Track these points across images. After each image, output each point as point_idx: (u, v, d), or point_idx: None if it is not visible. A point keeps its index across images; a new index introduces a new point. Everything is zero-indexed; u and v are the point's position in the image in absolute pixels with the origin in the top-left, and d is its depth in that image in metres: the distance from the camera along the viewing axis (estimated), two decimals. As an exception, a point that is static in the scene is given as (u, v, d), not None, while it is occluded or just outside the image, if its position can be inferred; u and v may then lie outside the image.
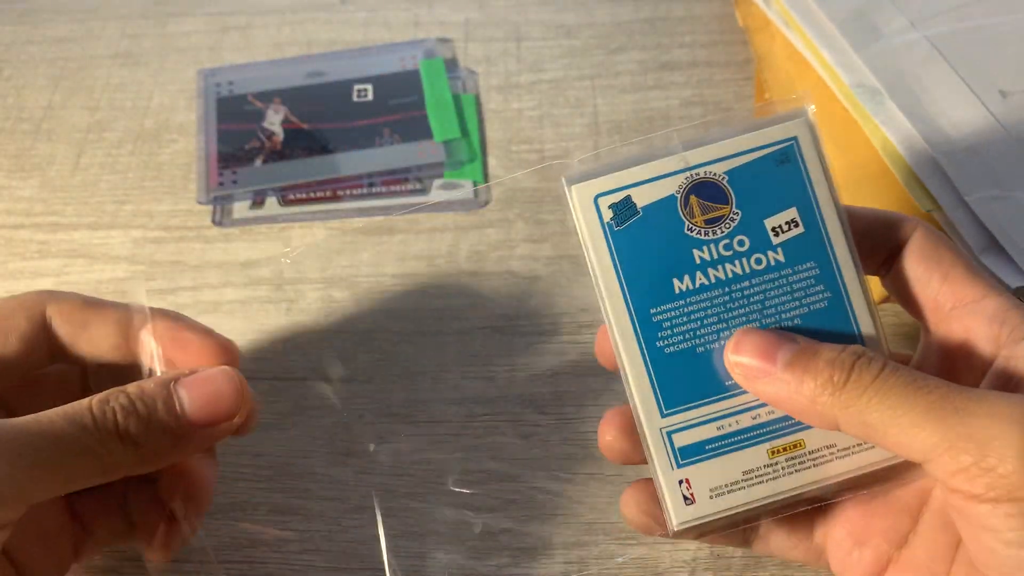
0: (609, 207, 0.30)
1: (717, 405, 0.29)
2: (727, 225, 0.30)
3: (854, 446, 0.29)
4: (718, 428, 0.29)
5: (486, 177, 0.48)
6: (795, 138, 0.30)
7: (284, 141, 0.49)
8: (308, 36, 0.54)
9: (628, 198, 0.30)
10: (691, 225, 0.30)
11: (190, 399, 0.30)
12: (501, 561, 0.36)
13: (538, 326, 0.42)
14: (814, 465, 0.29)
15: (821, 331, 0.29)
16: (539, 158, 0.48)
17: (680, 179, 0.30)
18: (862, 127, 0.42)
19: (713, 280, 0.30)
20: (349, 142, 0.49)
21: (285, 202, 0.47)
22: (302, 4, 0.56)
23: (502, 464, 0.39)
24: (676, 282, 0.30)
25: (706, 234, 0.30)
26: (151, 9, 0.56)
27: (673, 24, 0.54)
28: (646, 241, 0.30)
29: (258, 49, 0.54)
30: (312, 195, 0.47)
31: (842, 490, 0.30)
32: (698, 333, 0.29)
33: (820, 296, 0.30)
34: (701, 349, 0.29)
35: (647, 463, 0.30)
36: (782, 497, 0.29)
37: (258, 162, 0.48)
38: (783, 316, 0.29)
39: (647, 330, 0.29)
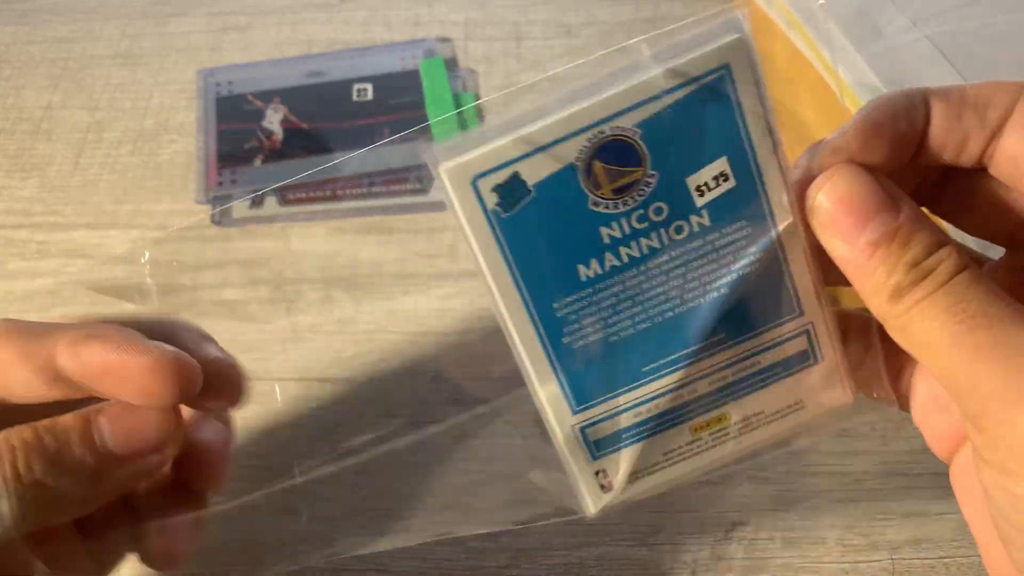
0: (493, 190, 0.24)
1: (634, 393, 0.26)
2: (641, 192, 0.24)
3: (783, 409, 0.27)
4: (635, 416, 0.26)
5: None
6: (727, 66, 0.24)
7: (284, 141, 0.49)
8: (308, 36, 0.54)
9: (516, 175, 0.23)
10: (596, 198, 0.24)
11: (111, 430, 0.26)
12: (501, 562, 0.36)
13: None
14: (739, 434, 0.27)
15: (752, 298, 0.26)
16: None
17: (580, 141, 0.23)
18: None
19: (626, 260, 0.25)
20: (349, 142, 0.49)
21: (284, 202, 0.47)
22: (302, 4, 0.56)
23: (502, 464, 0.38)
24: (582, 268, 0.25)
25: (615, 207, 0.24)
26: (151, 9, 0.56)
27: (674, 23, 0.54)
28: (542, 225, 0.24)
29: (258, 49, 0.54)
30: (312, 195, 0.47)
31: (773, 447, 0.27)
32: (610, 321, 0.25)
33: (751, 259, 0.25)
34: (615, 338, 0.25)
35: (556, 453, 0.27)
36: (704, 471, 0.27)
37: (257, 162, 0.48)
38: (708, 289, 0.25)
39: (550, 328, 0.25)
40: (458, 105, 0.50)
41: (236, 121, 0.50)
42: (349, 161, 0.48)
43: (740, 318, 0.26)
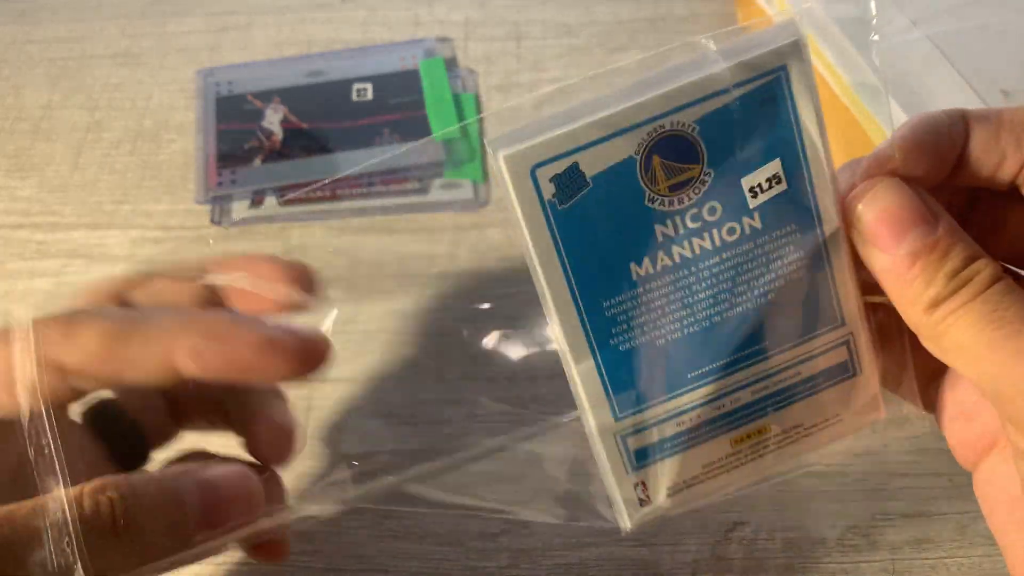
0: (551, 180, 0.23)
1: (678, 401, 0.25)
2: (696, 190, 0.24)
3: (821, 422, 0.27)
4: (678, 424, 0.26)
5: (486, 177, 0.48)
6: (784, 67, 0.23)
7: (283, 141, 0.49)
8: (307, 35, 0.54)
9: (575, 166, 0.23)
10: (653, 194, 0.23)
11: (200, 506, 0.26)
12: (501, 561, 0.36)
13: (539, 326, 0.42)
14: (778, 448, 0.26)
15: (797, 306, 0.25)
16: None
17: (641, 134, 0.23)
18: (863, 126, 0.42)
19: (678, 260, 0.24)
20: (349, 141, 0.49)
21: (284, 202, 0.47)
22: (302, 3, 0.56)
23: (503, 464, 0.38)
24: (634, 267, 0.24)
25: (671, 204, 0.24)
26: (150, 9, 0.56)
27: (674, 23, 0.54)
28: (598, 219, 0.23)
29: (257, 48, 0.54)
30: (311, 195, 0.47)
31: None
32: (659, 323, 0.25)
33: (798, 265, 0.25)
34: (662, 341, 0.25)
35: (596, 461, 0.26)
36: (739, 486, 0.27)
37: (257, 162, 0.48)
38: (755, 293, 0.25)
39: (599, 327, 0.24)
40: (458, 105, 0.50)
41: (236, 121, 0.50)
42: (365, 164, 0.48)
43: (785, 325, 0.25)
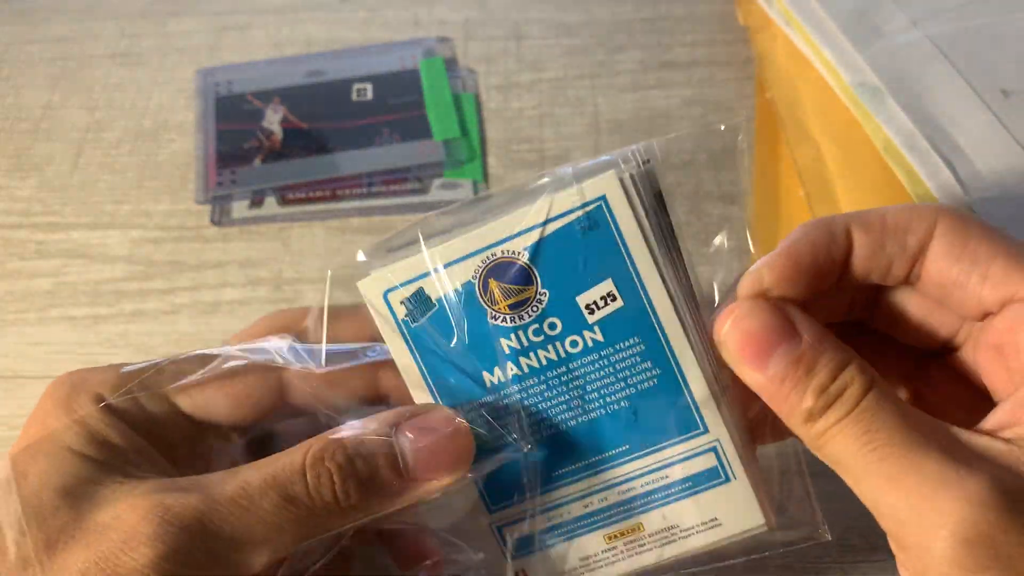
0: (401, 303, 0.26)
1: (546, 497, 0.27)
2: (535, 308, 0.26)
3: (698, 525, 0.28)
4: (548, 520, 0.27)
5: (486, 177, 0.48)
6: (603, 197, 0.25)
7: (283, 140, 0.49)
8: (307, 35, 0.54)
9: (420, 291, 0.26)
10: (495, 312, 0.26)
11: (414, 453, 0.26)
12: (501, 562, 0.36)
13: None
14: (656, 547, 0.28)
15: (652, 412, 0.27)
16: (539, 158, 0.48)
17: (476, 262, 0.26)
18: (863, 126, 0.42)
19: (527, 369, 0.26)
20: (348, 141, 0.49)
21: (284, 202, 0.47)
22: (301, 3, 0.56)
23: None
24: (487, 376, 0.26)
25: (513, 320, 0.26)
26: (150, 8, 0.56)
27: (674, 23, 0.54)
28: (447, 336, 0.26)
29: (257, 48, 0.54)
30: (311, 195, 0.47)
31: (692, 565, 0.28)
32: (518, 426, 0.27)
33: (648, 374, 0.26)
34: (523, 441, 0.27)
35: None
36: None
37: (257, 162, 0.48)
38: (608, 401, 0.26)
39: None
40: (458, 105, 0.50)
41: (235, 121, 0.50)
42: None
43: (644, 431, 0.27)
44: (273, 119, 0.50)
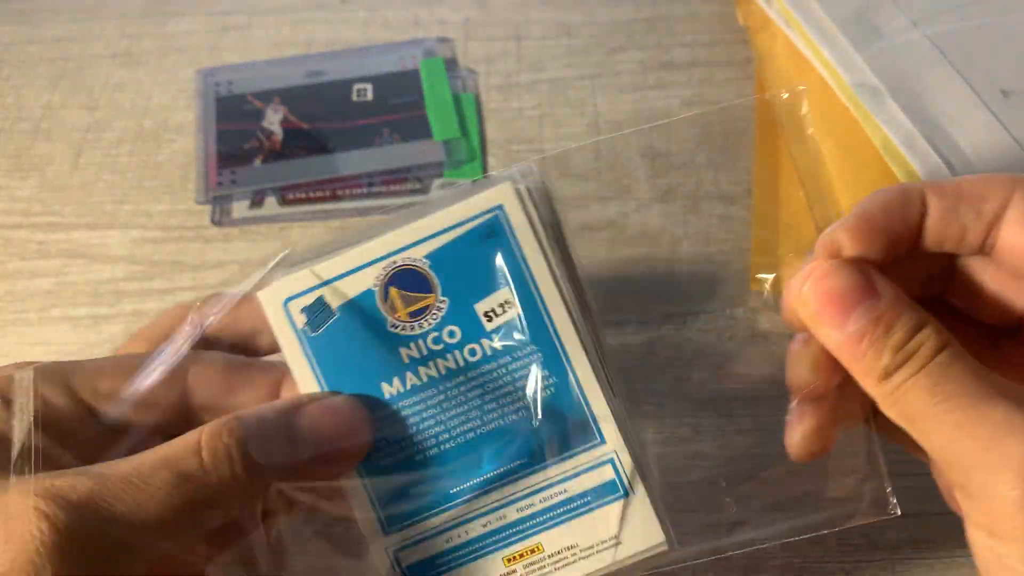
0: (302, 311, 0.26)
1: (444, 516, 0.26)
2: (434, 316, 0.26)
3: (598, 544, 0.27)
4: (447, 541, 0.27)
5: (486, 177, 0.48)
6: (500, 207, 0.26)
7: (283, 141, 0.49)
8: (307, 36, 0.54)
9: (321, 299, 0.26)
10: (394, 321, 0.26)
11: (310, 429, 0.26)
12: (501, 562, 0.36)
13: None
14: (556, 569, 0.27)
15: (551, 427, 0.26)
16: (539, 158, 0.48)
17: (377, 270, 0.26)
18: (863, 126, 0.42)
19: (425, 379, 0.26)
20: (349, 142, 0.49)
21: (284, 202, 0.47)
22: (302, 3, 0.56)
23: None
24: (385, 386, 0.26)
25: (412, 329, 0.26)
26: (150, 9, 0.56)
27: (674, 23, 0.54)
28: (346, 345, 0.26)
29: (257, 49, 0.54)
30: (311, 195, 0.47)
31: None
32: (415, 440, 0.26)
33: (546, 384, 0.26)
34: (420, 456, 0.26)
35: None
36: None
37: (257, 162, 0.48)
38: (506, 412, 0.26)
39: None
40: (458, 105, 0.50)
41: (236, 121, 0.50)
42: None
43: (541, 443, 0.26)
44: (273, 119, 0.50)
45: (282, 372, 0.29)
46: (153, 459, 0.25)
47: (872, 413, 0.29)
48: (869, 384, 0.26)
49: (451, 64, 0.52)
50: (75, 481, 0.24)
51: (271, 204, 0.47)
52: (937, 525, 0.36)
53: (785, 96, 0.29)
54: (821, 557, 0.36)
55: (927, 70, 0.43)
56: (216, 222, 0.46)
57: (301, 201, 0.47)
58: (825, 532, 0.30)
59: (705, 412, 0.39)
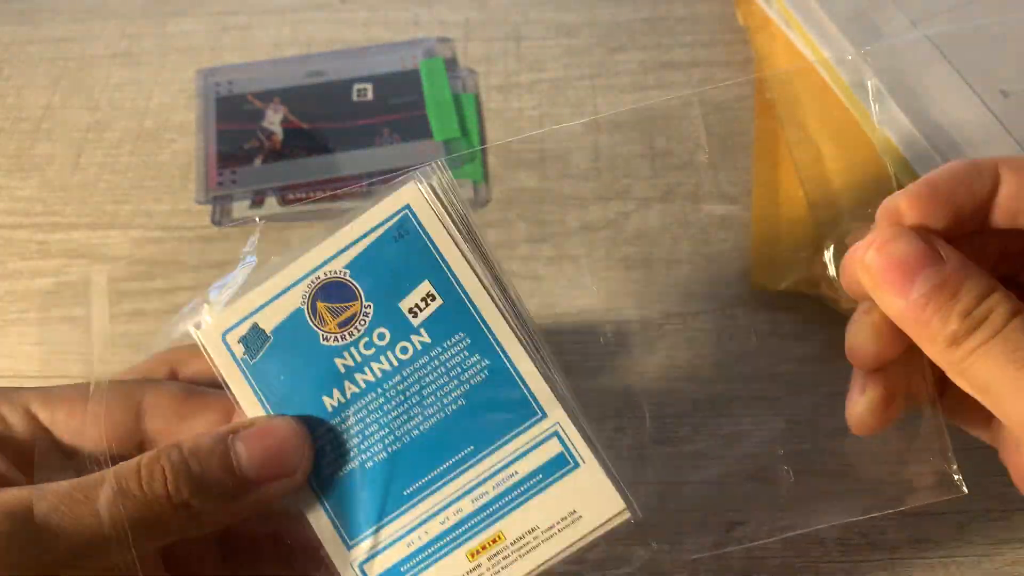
0: (239, 341, 0.27)
1: (402, 520, 0.27)
2: (362, 322, 0.27)
3: (558, 522, 0.27)
4: (408, 545, 0.27)
5: (486, 177, 0.48)
6: (407, 206, 0.27)
7: (284, 141, 0.49)
8: (308, 36, 0.54)
9: (255, 326, 0.27)
10: (325, 334, 0.27)
11: (248, 453, 0.27)
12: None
13: (538, 326, 0.42)
14: (520, 556, 0.27)
15: (490, 406, 0.27)
16: (539, 158, 0.48)
17: (302, 288, 0.27)
18: (862, 127, 0.42)
19: (363, 386, 0.27)
20: (349, 142, 0.49)
21: (285, 202, 0.47)
22: (302, 4, 0.56)
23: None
24: (327, 400, 0.27)
25: (343, 338, 0.27)
26: (151, 9, 0.56)
27: (673, 23, 0.54)
28: (284, 366, 0.27)
29: (258, 49, 0.54)
30: (312, 195, 0.47)
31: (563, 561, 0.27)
32: (363, 447, 0.27)
33: (479, 367, 0.27)
34: (370, 463, 0.27)
35: None
36: None
37: (257, 162, 0.48)
38: (446, 403, 0.27)
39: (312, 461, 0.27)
40: (458, 105, 0.50)
41: (236, 121, 0.50)
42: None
43: (484, 428, 0.27)
44: (274, 119, 0.50)
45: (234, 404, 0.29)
46: (96, 478, 0.26)
47: (936, 390, 0.29)
48: (935, 351, 0.25)
49: (451, 64, 0.52)
50: (18, 493, 0.25)
51: (271, 204, 0.47)
52: (937, 525, 0.36)
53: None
54: (821, 557, 0.36)
55: (927, 70, 0.43)
56: (216, 222, 0.46)
57: (301, 201, 0.47)
58: (889, 512, 0.30)
59: (705, 412, 0.39)
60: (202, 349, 0.28)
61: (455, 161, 0.48)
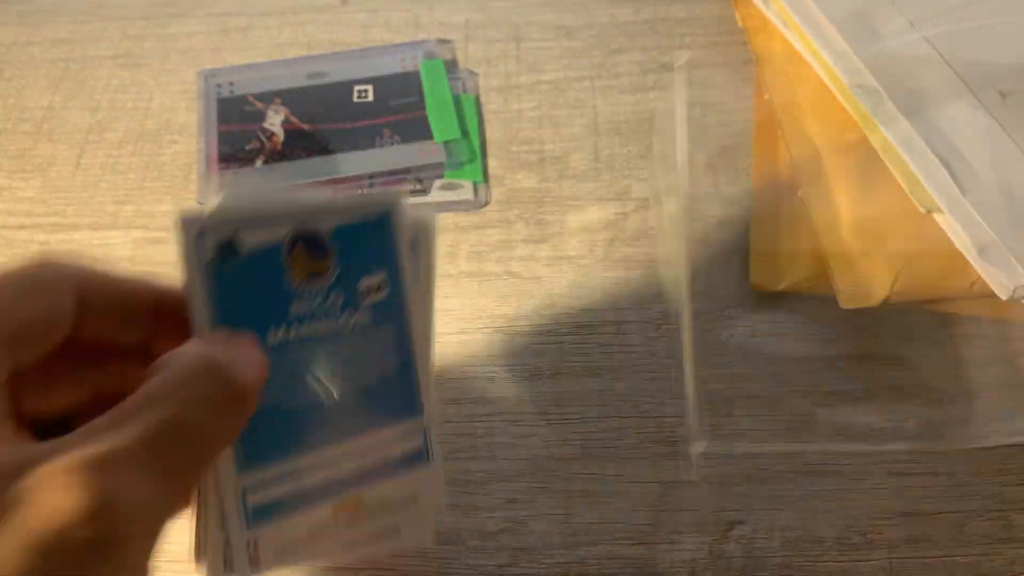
0: (213, 245, 0.28)
1: (291, 463, 0.29)
2: (326, 280, 0.29)
3: (402, 501, 0.30)
4: (288, 488, 0.29)
5: (486, 177, 0.48)
6: (391, 207, 0.30)
7: (284, 142, 0.49)
8: (309, 37, 0.54)
9: (233, 239, 0.28)
10: (292, 276, 0.28)
11: (242, 369, 0.27)
12: (501, 561, 0.36)
13: (538, 326, 0.42)
14: (372, 520, 0.30)
15: (392, 393, 0.30)
16: (539, 159, 0.48)
17: (289, 228, 0.28)
18: (861, 127, 0.42)
19: (304, 335, 0.29)
20: (349, 143, 0.49)
21: (285, 203, 0.47)
22: (303, 5, 0.56)
23: (501, 464, 0.39)
24: (271, 335, 0.28)
25: (305, 286, 0.29)
26: (152, 10, 0.56)
27: (673, 25, 0.54)
28: (245, 286, 0.28)
29: (259, 50, 0.54)
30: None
31: None
32: (286, 389, 0.28)
33: (391, 363, 0.30)
34: (286, 407, 0.28)
35: (198, 519, 0.28)
36: (340, 553, 0.30)
37: (258, 163, 0.48)
38: (358, 380, 0.29)
39: None
40: (458, 106, 0.50)
41: (237, 122, 0.50)
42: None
43: (379, 409, 0.30)
44: (274, 120, 0.50)
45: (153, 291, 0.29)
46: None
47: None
48: None
49: (451, 65, 0.52)
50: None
51: (272, 205, 0.47)
52: (936, 525, 0.37)
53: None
54: (819, 556, 0.36)
55: (925, 71, 0.43)
56: (217, 223, 0.46)
57: (302, 202, 0.47)
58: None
59: (705, 412, 0.39)
60: (178, 238, 0.28)
61: (455, 163, 0.48)
